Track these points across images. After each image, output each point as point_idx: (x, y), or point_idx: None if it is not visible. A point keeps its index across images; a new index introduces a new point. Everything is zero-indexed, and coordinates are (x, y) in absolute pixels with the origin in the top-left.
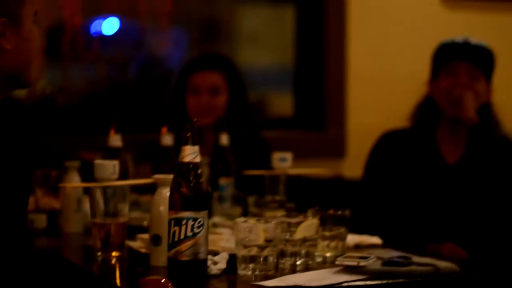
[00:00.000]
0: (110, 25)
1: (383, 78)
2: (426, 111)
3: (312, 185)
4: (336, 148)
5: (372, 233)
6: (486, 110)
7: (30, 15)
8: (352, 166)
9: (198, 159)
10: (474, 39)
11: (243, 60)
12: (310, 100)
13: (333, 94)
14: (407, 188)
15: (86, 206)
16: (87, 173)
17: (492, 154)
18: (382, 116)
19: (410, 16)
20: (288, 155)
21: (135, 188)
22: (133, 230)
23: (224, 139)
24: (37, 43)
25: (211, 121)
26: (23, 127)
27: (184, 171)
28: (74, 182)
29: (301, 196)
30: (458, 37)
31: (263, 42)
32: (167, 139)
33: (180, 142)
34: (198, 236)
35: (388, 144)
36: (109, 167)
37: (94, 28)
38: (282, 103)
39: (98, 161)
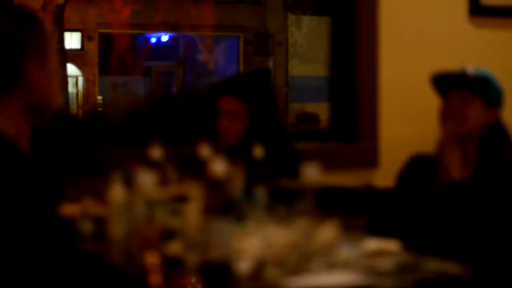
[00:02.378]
0: (157, 40)
1: (414, 91)
2: None
3: (343, 195)
4: (368, 159)
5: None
6: (495, 131)
7: (51, 49)
8: (385, 177)
9: (226, 171)
10: (471, 67)
11: (291, 73)
12: (344, 112)
13: (366, 106)
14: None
15: (129, 213)
16: (131, 183)
17: (498, 177)
18: (413, 128)
19: (440, 32)
20: (316, 166)
21: (176, 197)
22: (171, 236)
23: (257, 152)
24: (58, 78)
25: (235, 142)
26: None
27: (213, 182)
28: (118, 191)
29: (330, 205)
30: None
31: (309, 54)
32: (204, 152)
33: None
34: (226, 241)
35: (413, 169)
36: (149, 178)
37: (142, 43)
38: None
39: (139, 172)
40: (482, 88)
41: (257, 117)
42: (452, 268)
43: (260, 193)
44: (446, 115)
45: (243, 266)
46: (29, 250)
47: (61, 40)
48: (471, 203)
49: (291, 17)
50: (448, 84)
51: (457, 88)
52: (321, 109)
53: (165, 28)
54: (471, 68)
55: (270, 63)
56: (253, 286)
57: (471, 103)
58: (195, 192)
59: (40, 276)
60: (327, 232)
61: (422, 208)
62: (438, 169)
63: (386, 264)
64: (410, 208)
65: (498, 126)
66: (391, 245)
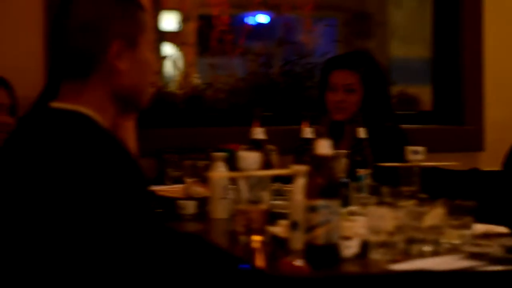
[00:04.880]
0: (256, 20)
1: None
2: None
3: (449, 177)
4: (474, 142)
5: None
6: None
7: (147, 42)
8: (490, 160)
9: (330, 152)
10: None
11: (391, 54)
12: (448, 94)
13: (471, 88)
14: None
15: (232, 194)
16: (233, 163)
17: None
18: None
19: None
20: (421, 149)
21: (279, 178)
22: (275, 217)
23: (362, 133)
24: (151, 69)
25: (346, 117)
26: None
27: (318, 163)
28: (220, 171)
29: (436, 187)
30: None
31: (408, 35)
32: (308, 132)
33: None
34: (331, 222)
35: None
36: (251, 158)
37: (241, 23)
38: (423, 97)
39: (241, 153)
40: None
41: (370, 91)
42: None
43: (365, 174)
44: None
45: (349, 248)
46: (132, 232)
47: (158, 20)
48: None
49: None
50: None
51: None
52: (422, 91)
53: (264, 8)
54: None
55: (370, 44)
56: (358, 269)
57: None
58: (299, 173)
59: (140, 256)
60: (434, 215)
61: None
62: None
63: (493, 248)
64: None
65: None
66: (499, 229)
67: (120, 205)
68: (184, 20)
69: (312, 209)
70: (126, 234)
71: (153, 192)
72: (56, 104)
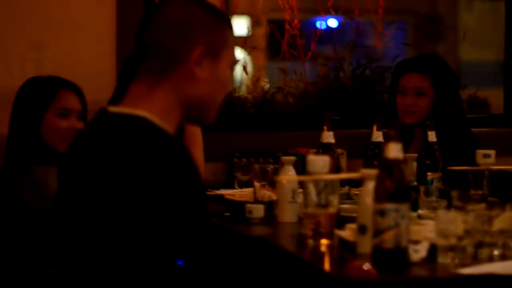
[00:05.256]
0: (327, 24)
1: None
2: None
3: None
4: None
5: None
6: None
7: (228, 58)
8: None
9: (400, 155)
10: None
11: (461, 57)
12: None
13: None
14: None
15: (300, 197)
16: (302, 167)
17: None
18: None
19: None
20: (492, 152)
21: (348, 182)
22: (343, 220)
23: (432, 136)
24: (227, 86)
25: (416, 121)
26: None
27: (388, 166)
28: (289, 175)
29: (506, 191)
30: None
31: (479, 38)
32: (378, 136)
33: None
34: (400, 226)
35: None
36: (320, 162)
37: (311, 27)
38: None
39: (310, 156)
40: None
41: (441, 94)
42: None
43: (435, 178)
44: None
45: (417, 252)
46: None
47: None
48: None
49: (462, 1)
50: None
51: None
52: (492, 95)
53: (334, 12)
54: None
55: (440, 48)
56: (426, 273)
57: None
58: (368, 177)
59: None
60: (504, 218)
61: None
62: None
63: None
64: None
65: None
66: None
67: (173, 210)
68: (254, 24)
69: (381, 213)
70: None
71: (208, 199)
72: (115, 109)
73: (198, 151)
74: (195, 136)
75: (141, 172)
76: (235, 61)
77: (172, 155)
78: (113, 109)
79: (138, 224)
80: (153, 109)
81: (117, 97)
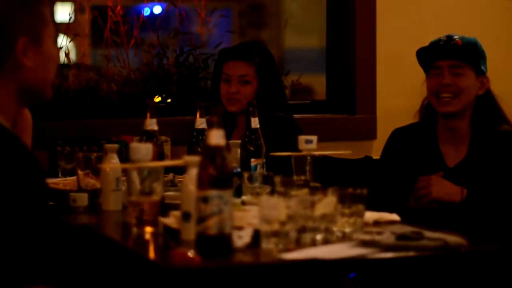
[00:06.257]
0: (151, 11)
1: (411, 62)
2: (428, 109)
3: (341, 166)
4: (366, 131)
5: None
6: (485, 101)
7: (50, 36)
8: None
9: (223, 142)
10: (457, 35)
11: (285, 44)
12: (341, 84)
13: (363, 78)
14: (409, 186)
15: (125, 185)
16: (126, 155)
17: (494, 151)
18: (410, 100)
19: (437, 1)
20: (314, 138)
21: (173, 169)
22: (168, 208)
23: (255, 122)
24: (55, 62)
25: (240, 108)
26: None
27: (210, 153)
28: (113, 163)
29: (329, 176)
30: (442, 36)
31: (303, 26)
32: (201, 123)
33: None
34: (223, 212)
35: (397, 141)
36: (143, 150)
37: (135, 14)
38: (319, 87)
39: (133, 144)
40: (472, 56)
41: (265, 82)
42: (452, 238)
43: (258, 164)
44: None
45: (241, 238)
46: (21, 223)
47: (52, 12)
48: (469, 183)
49: None
50: (435, 55)
51: (445, 59)
52: (315, 81)
53: None
54: (457, 36)
55: (264, 34)
56: (250, 259)
57: (465, 74)
58: (191, 164)
59: (30, 249)
60: (326, 203)
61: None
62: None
63: (385, 235)
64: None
65: (488, 95)
66: (391, 216)
67: (13, 198)
68: (77, 11)
69: (204, 200)
70: (16, 226)
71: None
72: None
73: (27, 140)
74: (25, 124)
75: None
76: (57, 34)
77: (6, 148)
78: None
79: None
80: None
81: None
